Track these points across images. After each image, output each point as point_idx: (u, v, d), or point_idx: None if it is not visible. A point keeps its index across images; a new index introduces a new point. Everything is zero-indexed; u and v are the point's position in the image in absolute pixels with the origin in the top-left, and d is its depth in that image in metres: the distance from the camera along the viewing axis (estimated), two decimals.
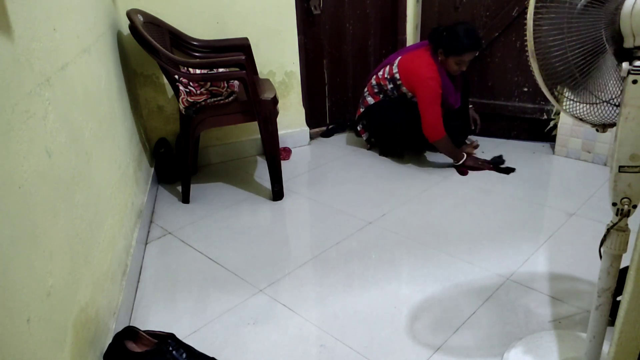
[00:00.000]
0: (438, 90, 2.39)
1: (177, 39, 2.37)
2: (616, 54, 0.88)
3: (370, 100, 2.68)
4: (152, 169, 2.44)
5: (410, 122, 2.52)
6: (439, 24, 2.87)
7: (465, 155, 2.47)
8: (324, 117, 3.21)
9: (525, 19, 0.90)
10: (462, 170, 2.47)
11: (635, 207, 0.92)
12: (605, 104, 0.95)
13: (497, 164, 2.48)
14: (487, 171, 2.47)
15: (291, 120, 2.92)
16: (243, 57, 1.97)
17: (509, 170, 2.44)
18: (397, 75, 2.52)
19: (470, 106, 2.75)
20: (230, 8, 2.53)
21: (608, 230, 0.96)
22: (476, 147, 2.69)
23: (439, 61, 2.42)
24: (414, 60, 2.48)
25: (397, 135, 2.62)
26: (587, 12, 0.87)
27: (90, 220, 1.26)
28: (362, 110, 2.74)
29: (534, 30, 0.90)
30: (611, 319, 1.00)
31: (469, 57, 2.37)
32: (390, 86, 2.57)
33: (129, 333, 1.24)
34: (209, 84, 2.06)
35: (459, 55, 2.34)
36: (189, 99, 2.05)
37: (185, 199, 2.27)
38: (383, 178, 2.47)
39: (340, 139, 3.11)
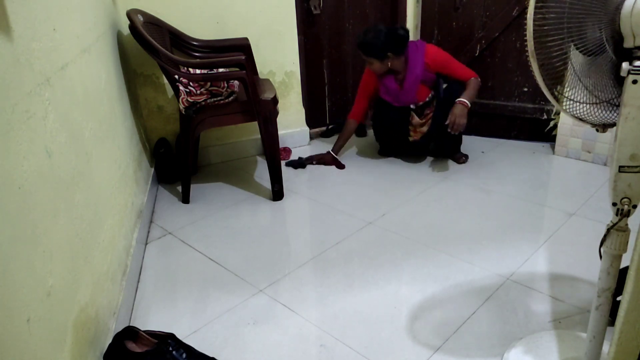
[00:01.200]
0: (362, 84, 2.61)
1: (177, 39, 2.37)
2: (616, 54, 0.88)
3: None
4: (152, 169, 2.44)
5: (406, 122, 2.54)
6: (439, 24, 2.89)
7: (328, 152, 2.67)
8: (324, 117, 3.21)
9: (525, 19, 0.90)
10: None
11: (635, 207, 0.92)
12: (605, 103, 0.95)
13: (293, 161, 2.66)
14: (486, 171, 2.47)
15: (291, 120, 2.92)
16: (243, 57, 1.97)
17: (298, 164, 2.63)
18: None
19: (462, 100, 2.32)
20: (230, 8, 2.53)
21: (608, 230, 0.96)
22: (463, 162, 2.58)
23: None
24: None
25: (394, 134, 2.63)
26: (587, 12, 0.87)
27: (90, 220, 1.26)
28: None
29: (534, 30, 0.90)
30: (611, 319, 1.00)
31: (363, 56, 2.43)
32: None
33: (129, 333, 1.24)
34: (209, 84, 2.06)
35: None
36: (189, 99, 2.05)
37: (185, 199, 2.27)
38: (383, 178, 2.47)
39: None
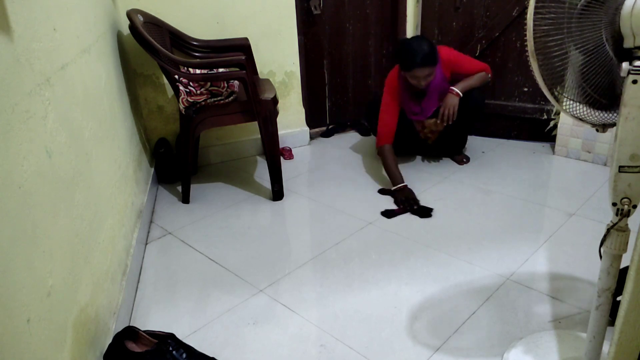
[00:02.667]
0: (388, 99, 2.38)
1: (177, 39, 2.37)
2: (616, 54, 0.88)
3: None
4: (152, 169, 2.44)
5: (403, 123, 2.53)
6: (439, 24, 2.89)
7: (404, 186, 2.23)
8: (324, 117, 3.21)
9: (525, 19, 0.90)
10: (392, 211, 2.13)
11: (635, 207, 0.92)
12: (605, 103, 0.95)
13: (415, 210, 2.12)
14: (486, 171, 2.47)
15: (291, 120, 2.92)
16: (243, 57, 1.97)
17: (426, 212, 2.09)
18: None
19: (454, 90, 2.32)
20: (230, 8, 2.53)
21: (608, 230, 0.96)
22: (464, 164, 2.58)
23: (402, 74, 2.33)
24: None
25: (408, 138, 2.62)
26: (587, 12, 0.87)
27: (90, 220, 1.26)
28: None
29: (534, 30, 0.90)
30: (611, 319, 1.00)
31: (420, 73, 2.19)
32: None
33: (129, 333, 1.24)
34: (209, 84, 2.06)
35: (408, 72, 2.22)
36: (189, 99, 2.05)
37: (185, 199, 2.27)
38: (383, 178, 2.47)
39: (340, 139, 3.11)
